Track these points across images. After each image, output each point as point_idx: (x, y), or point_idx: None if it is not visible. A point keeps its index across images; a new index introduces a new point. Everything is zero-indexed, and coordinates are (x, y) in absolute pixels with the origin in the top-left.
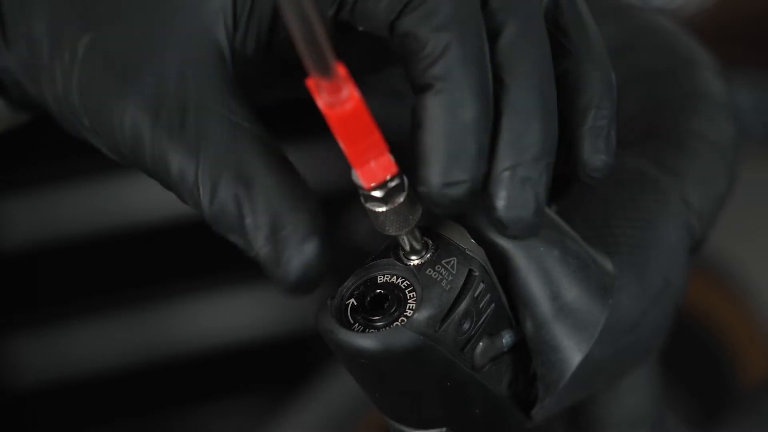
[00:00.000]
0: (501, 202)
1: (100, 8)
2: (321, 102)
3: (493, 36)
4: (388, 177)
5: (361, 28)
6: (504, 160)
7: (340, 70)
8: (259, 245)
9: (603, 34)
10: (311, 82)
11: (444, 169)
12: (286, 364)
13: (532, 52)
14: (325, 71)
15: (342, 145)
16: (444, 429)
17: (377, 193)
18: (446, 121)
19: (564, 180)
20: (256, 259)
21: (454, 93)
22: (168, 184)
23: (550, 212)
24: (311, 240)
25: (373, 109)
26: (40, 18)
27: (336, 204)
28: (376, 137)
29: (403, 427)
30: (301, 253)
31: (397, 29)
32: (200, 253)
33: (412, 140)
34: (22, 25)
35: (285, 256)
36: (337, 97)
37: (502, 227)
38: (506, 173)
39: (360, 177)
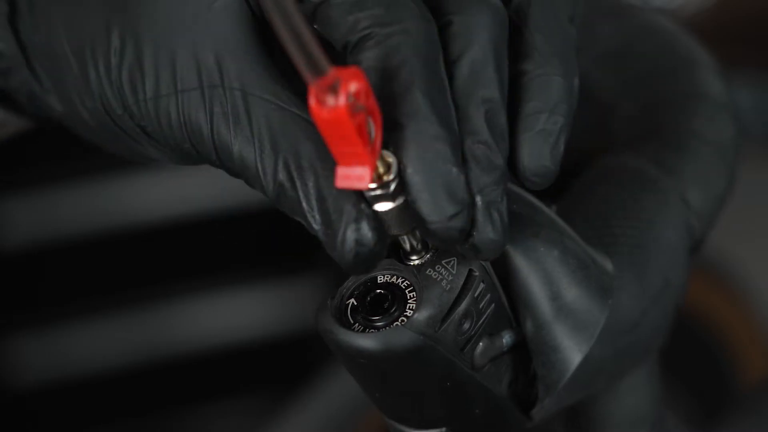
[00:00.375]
0: (473, 230)
1: (121, 11)
2: (312, 99)
3: (453, 61)
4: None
5: (315, 26)
6: (470, 187)
7: (337, 73)
8: (316, 226)
9: (603, 34)
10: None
11: (443, 206)
12: (286, 364)
13: (489, 77)
14: (317, 71)
15: (328, 145)
16: (444, 429)
17: (379, 193)
18: (428, 158)
19: (564, 180)
20: (319, 238)
21: (428, 129)
22: (234, 171)
23: (550, 212)
24: (363, 220)
25: None
26: (57, 31)
27: None
28: (358, 149)
29: (403, 427)
30: (354, 233)
31: (354, 57)
32: (200, 253)
33: (401, 180)
34: (39, 39)
35: (339, 237)
36: (333, 99)
37: (476, 252)
38: (477, 199)
39: (336, 178)
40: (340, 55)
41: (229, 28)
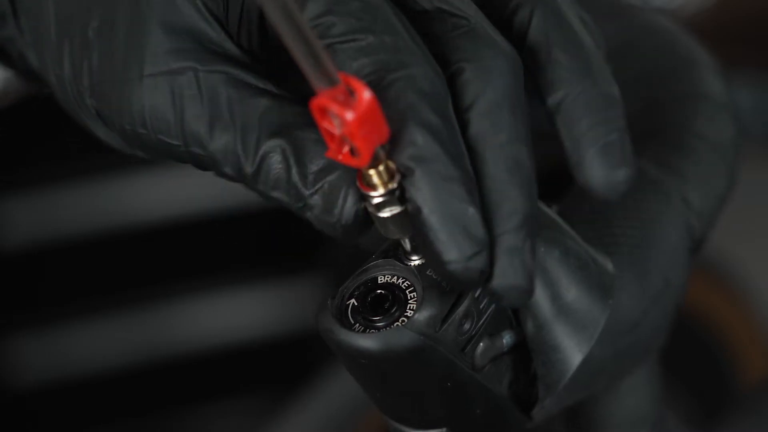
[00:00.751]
0: (493, 275)
1: None
2: (336, 109)
3: (466, 108)
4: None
5: None
6: (491, 231)
7: (342, 77)
8: (308, 194)
9: (603, 34)
10: (316, 104)
11: (461, 246)
12: (286, 364)
13: (506, 121)
14: (331, 82)
15: (363, 147)
16: (444, 429)
17: (380, 199)
18: (443, 198)
19: (564, 180)
20: (302, 211)
21: (440, 170)
22: (202, 159)
23: (551, 212)
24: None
25: None
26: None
27: None
28: (384, 123)
29: (403, 428)
30: (354, 195)
31: None
32: (200, 253)
33: (417, 224)
34: (31, 6)
35: (339, 200)
36: (350, 105)
37: (498, 298)
38: (496, 243)
39: (366, 178)
40: None
41: (204, 15)
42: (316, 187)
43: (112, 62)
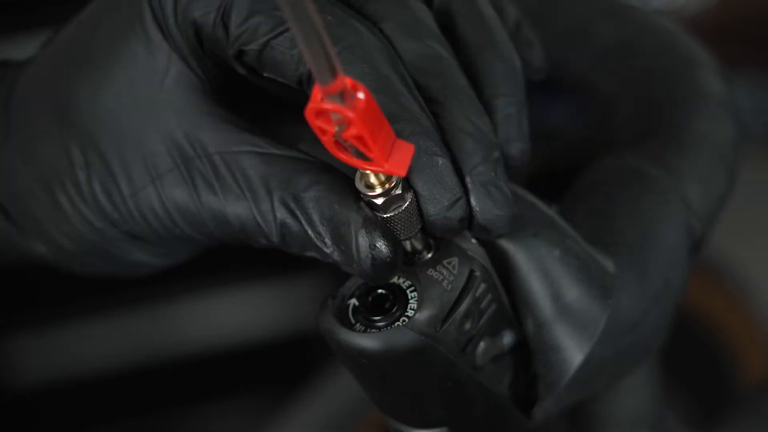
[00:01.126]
0: (474, 210)
1: (71, 127)
2: (334, 106)
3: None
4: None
5: (266, 74)
6: (462, 171)
7: (347, 82)
8: (328, 249)
9: (603, 34)
10: (312, 107)
11: (437, 199)
12: (286, 364)
13: (439, 70)
14: (333, 74)
15: (367, 147)
16: (445, 428)
17: (381, 199)
18: (418, 158)
19: (564, 180)
20: (336, 264)
21: (405, 128)
22: (231, 235)
23: (551, 212)
24: (373, 227)
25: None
26: (15, 169)
27: None
28: (387, 125)
29: (403, 427)
30: (366, 238)
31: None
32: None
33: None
34: (3, 184)
35: (353, 247)
36: (349, 104)
37: (486, 232)
38: (468, 180)
39: (391, 171)
40: (298, 92)
41: (186, 99)
42: (333, 242)
43: (118, 184)
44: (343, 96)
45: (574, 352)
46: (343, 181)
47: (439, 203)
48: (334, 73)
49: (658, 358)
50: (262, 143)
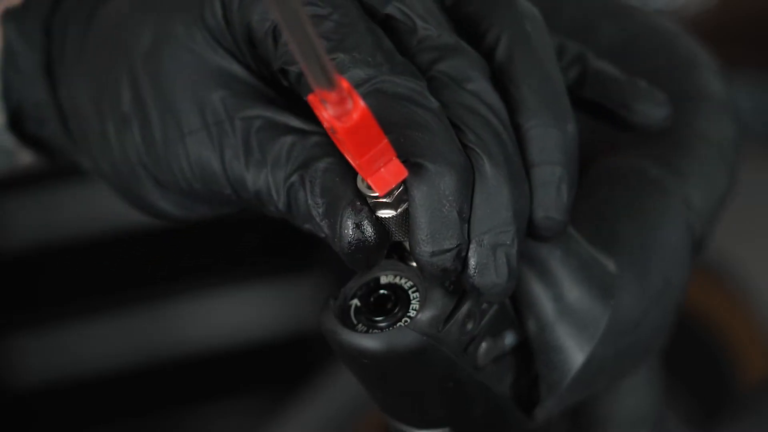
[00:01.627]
0: (472, 270)
1: (130, 64)
2: (327, 115)
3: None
4: (400, 182)
5: (304, 97)
6: (474, 227)
7: (343, 82)
8: (321, 222)
9: (603, 34)
10: (313, 98)
11: (426, 241)
12: (286, 364)
13: (489, 121)
14: (330, 84)
15: (351, 156)
16: (446, 429)
17: (386, 200)
18: (428, 195)
19: None
20: (327, 241)
21: (436, 169)
22: (246, 198)
23: None
24: (362, 210)
25: None
26: (82, 92)
27: None
28: (384, 144)
29: (405, 427)
30: (351, 217)
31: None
32: (200, 253)
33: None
34: (71, 106)
35: (338, 223)
36: (343, 109)
37: (477, 293)
38: (476, 240)
39: (373, 185)
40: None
41: (231, 69)
42: (325, 214)
43: (152, 129)
44: (342, 102)
45: (575, 353)
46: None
47: (432, 244)
48: (331, 83)
49: (659, 359)
50: (293, 118)
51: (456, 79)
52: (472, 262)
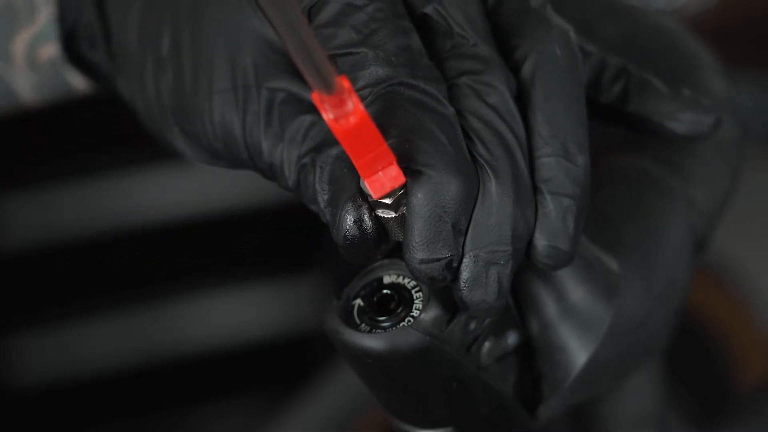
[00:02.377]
0: (463, 283)
1: (176, 12)
2: (326, 116)
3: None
4: (397, 187)
5: None
6: (471, 242)
7: (344, 83)
8: (323, 205)
9: (603, 34)
10: (316, 97)
11: (417, 248)
12: (286, 364)
13: (504, 138)
14: (328, 87)
15: (350, 157)
16: (450, 428)
17: (386, 201)
18: (425, 203)
19: None
20: (327, 224)
21: (438, 177)
22: (259, 167)
23: None
24: (361, 204)
25: None
26: (132, 24)
27: None
28: (383, 148)
29: (408, 427)
30: (352, 212)
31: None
32: (200, 253)
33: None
34: (119, 32)
35: (339, 213)
36: (343, 111)
37: (464, 306)
38: (471, 255)
39: (369, 188)
40: None
41: (266, 37)
42: (329, 202)
43: (184, 80)
44: (342, 104)
45: (578, 352)
46: None
47: (423, 251)
48: (329, 87)
49: (661, 359)
50: (305, 96)
51: (479, 91)
52: (464, 275)
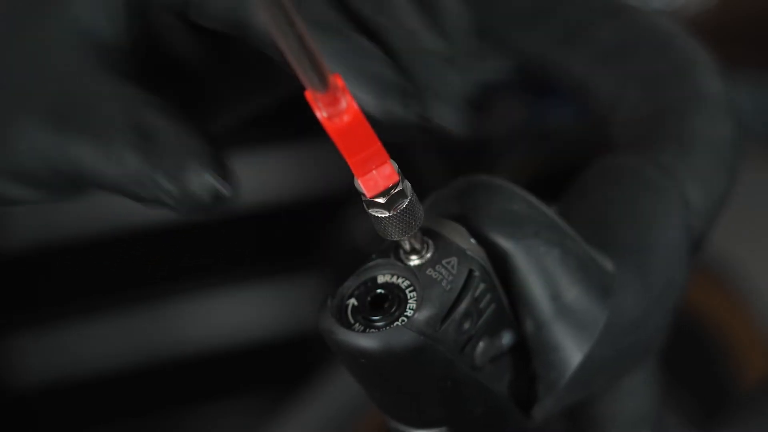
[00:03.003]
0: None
1: None
2: (319, 115)
3: None
4: (390, 185)
5: (202, 22)
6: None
7: (338, 81)
8: (169, 188)
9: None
10: (309, 95)
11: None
12: (286, 364)
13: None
14: (322, 86)
15: (343, 155)
16: (444, 428)
17: (380, 200)
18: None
19: (564, 180)
20: (170, 206)
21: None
22: (104, 183)
23: (551, 212)
24: (201, 159)
25: None
26: None
27: (335, 204)
28: (377, 147)
29: (403, 427)
30: (198, 172)
31: (248, 29)
32: (200, 254)
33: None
34: None
35: (187, 182)
36: (336, 109)
37: (441, 129)
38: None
39: (363, 187)
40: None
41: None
42: (170, 178)
43: None
44: (335, 102)
45: (573, 352)
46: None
47: (367, 96)
48: (324, 84)
49: (658, 359)
50: (120, 84)
51: None
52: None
